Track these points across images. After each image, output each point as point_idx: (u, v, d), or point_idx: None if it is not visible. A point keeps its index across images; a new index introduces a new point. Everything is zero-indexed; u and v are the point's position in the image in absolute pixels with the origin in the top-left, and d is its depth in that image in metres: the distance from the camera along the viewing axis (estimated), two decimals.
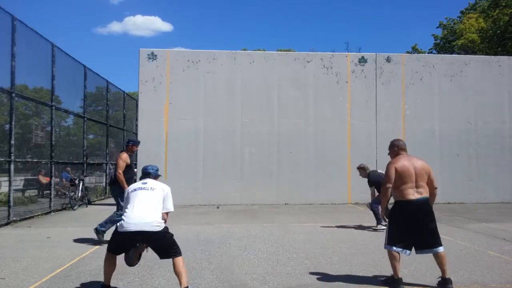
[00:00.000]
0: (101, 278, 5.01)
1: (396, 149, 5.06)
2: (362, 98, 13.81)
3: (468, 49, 30.36)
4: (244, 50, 14.83)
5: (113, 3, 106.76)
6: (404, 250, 4.66)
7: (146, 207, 4.27)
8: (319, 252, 6.43)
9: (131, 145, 7.68)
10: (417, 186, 4.70)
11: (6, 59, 9.03)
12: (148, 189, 4.42)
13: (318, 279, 5.01)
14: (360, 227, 8.80)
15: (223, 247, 6.78)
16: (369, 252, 6.45)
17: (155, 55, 13.37)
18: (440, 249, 4.65)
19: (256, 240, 7.35)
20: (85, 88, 13.93)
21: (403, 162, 4.81)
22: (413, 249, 4.72)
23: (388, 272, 5.34)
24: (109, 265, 4.39)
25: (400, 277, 4.65)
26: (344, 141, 13.67)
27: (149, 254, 6.22)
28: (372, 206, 8.49)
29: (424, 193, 4.71)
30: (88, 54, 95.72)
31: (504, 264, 5.75)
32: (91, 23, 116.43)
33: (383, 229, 8.16)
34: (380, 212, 8.10)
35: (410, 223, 4.64)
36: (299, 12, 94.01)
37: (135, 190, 4.45)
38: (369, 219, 10.16)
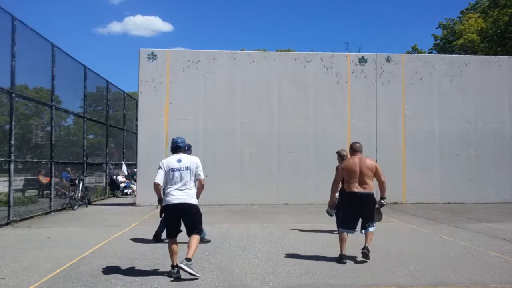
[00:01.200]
0: (101, 278, 5.02)
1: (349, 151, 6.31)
2: (362, 98, 13.81)
3: (468, 49, 30.36)
4: (242, 50, 14.81)
5: (113, 3, 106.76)
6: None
7: (183, 184, 5.10)
8: (319, 252, 6.44)
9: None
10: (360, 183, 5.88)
11: (6, 59, 9.03)
12: (183, 169, 5.12)
13: (318, 279, 5.01)
14: (359, 227, 8.78)
15: (223, 247, 6.78)
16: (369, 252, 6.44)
17: (155, 55, 13.37)
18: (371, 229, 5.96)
19: (256, 240, 7.35)
20: (85, 88, 13.93)
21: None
22: None
23: (388, 271, 5.35)
24: (172, 249, 5.16)
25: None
26: (344, 141, 13.62)
27: (148, 254, 6.24)
28: None
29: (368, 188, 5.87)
30: (88, 54, 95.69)
31: (504, 264, 5.75)
32: (91, 23, 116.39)
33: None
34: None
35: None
36: (299, 12, 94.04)
37: (172, 170, 5.13)
38: None
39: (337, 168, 6.20)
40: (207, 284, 4.79)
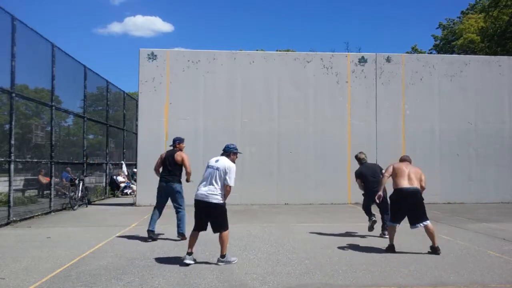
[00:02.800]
0: (101, 278, 5.02)
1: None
2: (362, 98, 13.81)
3: (468, 49, 30.36)
4: (240, 50, 14.80)
5: (113, 4, 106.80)
6: None
7: (209, 182, 5.62)
8: (319, 252, 6.44)
9: (178, 143, 7.90)
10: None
11: (6, 59, 9.03)
12: (214, 168, 5.65)
13: (318, 279, 5.01)
14: (360, 227, 8.79)
15: None
16: (369, 252, 6.45)
17: (155, 55, 13.37)
18: None
19: (256, 240, 7.35)
20: (85, 88, 13.92)
21: None
22: None
23: (388, 271, 5.35)
24: (189, 240, 5.77)
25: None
26: (344, 141, 13.66)
27: (148, 255, 6.24)
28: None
29: None
30: (88, 54, 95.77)
31: (504, 264, 5.75)
32: (91, 24, 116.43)
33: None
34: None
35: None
36: (299, 12, 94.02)
37: (208, 167, 5.77)
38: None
39: (387, 168, 6.80)
40: (207, 284, 4.80)
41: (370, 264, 5.67)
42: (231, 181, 5.54)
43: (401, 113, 13.89)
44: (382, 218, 7.79)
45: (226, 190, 5.57)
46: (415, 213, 6.38)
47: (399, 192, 6.42)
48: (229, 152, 5.83)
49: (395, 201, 6.51)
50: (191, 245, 5.70)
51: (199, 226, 5.73)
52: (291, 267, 5.51)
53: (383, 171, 7.95)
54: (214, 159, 5.81)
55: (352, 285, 4.81)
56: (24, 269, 5.42)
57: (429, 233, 6.34)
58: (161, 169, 7.84)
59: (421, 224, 6.35)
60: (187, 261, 5.58)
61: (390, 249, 6.49)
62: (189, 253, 5.65)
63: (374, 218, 7.81)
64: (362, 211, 8.22)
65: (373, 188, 7.65)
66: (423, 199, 6.48)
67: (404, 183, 6.42)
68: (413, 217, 6.40)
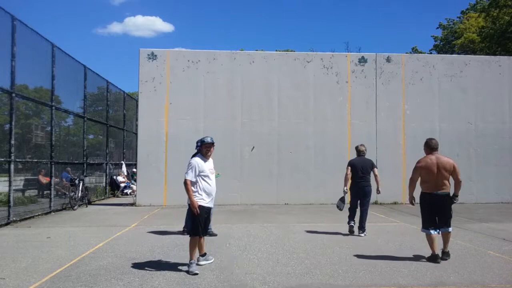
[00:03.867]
0: (101, 278, 5.02)
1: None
2: (362, 98, 13.81)
3: (468, 49, 30.36)
4: (241, 50, 14.83)
5: (113, 4, 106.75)
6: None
7: None
8: (319, 252, 6.44)
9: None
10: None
11: (6, 59, 9.03)
12: None
13: (318, 279, 5.01)
14: (360, 227, 8.78)
15: (223, 247, 6.78)
16: (369, 252, 6.45)
17: (155, 55, 13.37)
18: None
19: (256, 240, 7.35)
20: (85, 88, 13.92)
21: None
22: None
23: (388, 271, 5.35)
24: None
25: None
26: (344, 141, 13.66)
27: (148, 255, 6.23)
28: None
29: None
30: (88, 54, 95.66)
31: (504, 264, 5.75)
32: (91, 24, 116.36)
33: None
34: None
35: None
36: (299, 12, 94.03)
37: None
38: (369, 218, 10.14)
39: (415, 168, 6.17)
40: (207, 284, 4.80)
41: (370, 264, 5.66)
42: (186, 174, 5.52)
43: (401, 113, 13.89)
44: (362, 217, 8.03)
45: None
46: (441, 218, 5.99)
47: (426, 196, 6.02)
48: (197, 148, 6.01)
49: (422, 205, 6.09)
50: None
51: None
52: (291, 267, 5.51)
53: (375, 169, 8.15)
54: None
55: (352, 285, 4.81)
56: (24, 269, 5.42)
57: (445, 238, 6.03)
58: None
59: (444, 230, 5.99)
60: (201, 263, 5.62)
61: (432, 259, 5.87)
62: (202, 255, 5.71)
63: (352, 224, 8.09)
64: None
65: (359, 183, 7.98)
66: (453, 203, 6.02)
67: (432, 186, 5.96)
68: (440, 221, 6.00)
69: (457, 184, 5.97)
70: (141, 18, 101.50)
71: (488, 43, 28.89)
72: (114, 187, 16.59)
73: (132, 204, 13.06)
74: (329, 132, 13.58)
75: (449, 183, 5.97)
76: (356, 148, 8.59)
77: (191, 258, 5.33)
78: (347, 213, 8.29)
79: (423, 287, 4.74)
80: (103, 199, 15.29)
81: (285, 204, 13.22)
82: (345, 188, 8.19)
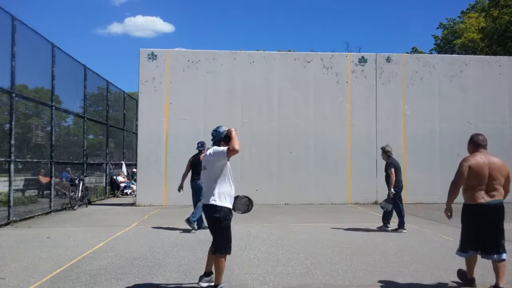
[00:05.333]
0: (101, 278, 5.02)
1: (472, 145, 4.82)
2: (362, 98, 13.81)
3: (469, 49, 30.36)
4: (241, 51, 14.83)
5: (113, 4, 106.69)
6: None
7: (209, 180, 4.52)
8: (319, 252, 6.43)
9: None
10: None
11: (6, 59, 9.03)
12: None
13: (318, 279, 5.01)
14: (360, 227, 8.79)
15: None
16: (369, 252, 6.45)
17: (155, 55, 13.37)
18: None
19: (256, 240, 7.35)
20: (85, 88, 13.92)
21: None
22: None
23: (388, 271, 5.34)
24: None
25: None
26: (344, 141, 13.66)
27: (148, 255, 6.23)
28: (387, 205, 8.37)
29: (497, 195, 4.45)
30: (88, 55, 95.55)
31: None
32: (92, 24, 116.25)
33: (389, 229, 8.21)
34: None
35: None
36: (299, 12, 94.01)
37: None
38: (369, 218, 10.16)
39: (463, 167, 4.64)
40: None
41: (370, 264, 5.66)
42: (233, 144, 4.19)
43: (401, 113, 13.89)
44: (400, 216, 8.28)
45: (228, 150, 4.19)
46: (491, 238, 4.45)
47: (472, 208, 4.51)
48: (219, 139, 4.49)
49: (466, 220, 4.62)
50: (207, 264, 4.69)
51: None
52: (291, 267, 5.51)
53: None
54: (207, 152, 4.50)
55: (352, 285, 4.81)
56: (24, 269, 5.42)
57: (499, 269, 4.38)
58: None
59: (495, 257, 4.39)
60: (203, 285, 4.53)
61: (467, 282, 4.70)
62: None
63: (388, 228, 8.32)
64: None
65: (400, 183, 8.22)
66: (503, 216, 4.52)
67: (482, 196, 4.47)
68: (489, 242, 4.45)
69: (506, 194, 4.58)
70: (141, 18, 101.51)
71: (488, 42, 28.90)
72: (114, 187, 16.60)
73: (132, 204, 13.07)
74: (329, 132, 13.58)
75: (503, 191, 4.56)
76: (385, 149, 8.79)
77: (220, 282, 4.36)
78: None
79: (423, 287, 4.74)
80: (103, 199, 15.29)
81: (285, 204, 13.23)
82: (392, 189, 8.24)
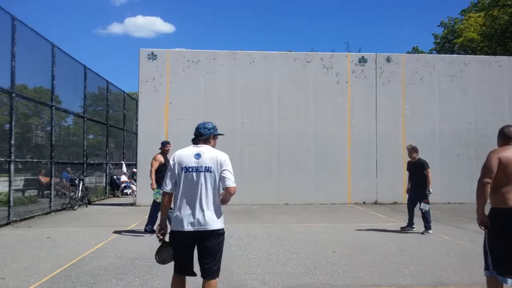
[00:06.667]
0: (101, 278, 5.02)
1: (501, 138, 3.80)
2: (362, 98, 13.81)
3: (468, 48, 30.37)
4: (240, 51, 14.84)
5: (113, 4, 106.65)
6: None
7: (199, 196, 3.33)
8: (319, 252, 6.43)
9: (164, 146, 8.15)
10: None
11: (6, 59, 9.03)
12: (201, 170, 3.45)
13: (318, 279, 5.01)
14: (360, 227, 8.79)
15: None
16: (369, 252, 6.45)
17: (155, 55, 13.37)
18: None
19: (256, 240, 7.35)
20: (85, 88, 13.93)
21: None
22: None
23: (388, 271, 5.34)
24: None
25: None
26: (344, 141, 13.66)
27: (147, 255, 6.23)
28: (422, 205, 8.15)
29: None
30: (88, 55, 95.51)
31: None
32: (92, 24, 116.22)
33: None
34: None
35: None
36: (299, 12, 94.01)
37: (187, 170, 3.46)
38: (369, 219, 10.17)
39: (491, 161, 3.70)
40: None
41: (370, 264, 5.66)
42: (231, 178, 3.40)
43: (401, 113, 13.88)
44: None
45: (228, 194, 3.35)
46: None
47: (502, 214, 3.60)
48: (208, 136, 3.78)
49: (495, 230, 3.62)
50: None
51: (184, 267, 3.62)
52: (291, 267, 5.51)
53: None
54: (189, 152, 3.59)
55: (352, 285, 4.81)
56: (24, 269, 5.42)
57: None
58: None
59: None
60: None
61: None
62: None
63: (413, 228, 8.27)
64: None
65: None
66: None
67: None
68: None
69: None
70: (142, 18, 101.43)
71: (488, 42, 28.90)
72: (114, 187, 16.60)
73: (132, 204, 13.07)
74: (329, 132, 13.58)
75: None
76: (414, 148, 8.83)
77: None
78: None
79: (423, 287, 4.74)
80: (103, 199, 15.29)
81: (285, 204, 13.22)
82: (431, 189, 8.27)
